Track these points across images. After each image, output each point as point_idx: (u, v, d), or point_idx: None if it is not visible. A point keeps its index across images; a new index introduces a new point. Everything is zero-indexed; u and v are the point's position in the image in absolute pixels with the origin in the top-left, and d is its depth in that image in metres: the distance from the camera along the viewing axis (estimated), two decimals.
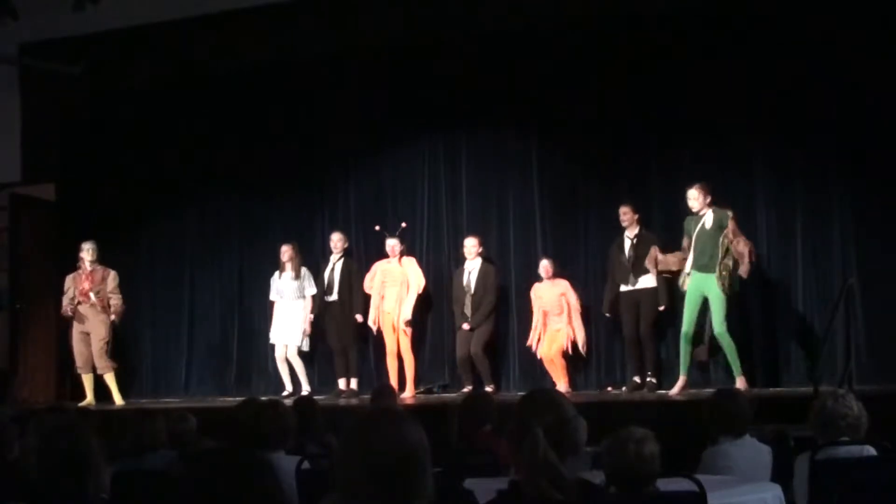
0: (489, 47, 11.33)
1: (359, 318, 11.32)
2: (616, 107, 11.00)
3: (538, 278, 10.84)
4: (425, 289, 11.30)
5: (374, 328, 11.27)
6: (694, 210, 9.63)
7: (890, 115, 9.83)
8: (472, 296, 10.93)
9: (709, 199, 9.58)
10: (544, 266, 10.76)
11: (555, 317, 10.71)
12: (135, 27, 11.92)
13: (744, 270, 9.41)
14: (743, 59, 10.46)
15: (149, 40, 11.94)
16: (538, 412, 3.53)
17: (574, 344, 10.66)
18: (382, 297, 11.18)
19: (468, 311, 10.92)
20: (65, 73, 12.01)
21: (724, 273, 9.40)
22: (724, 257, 9.41)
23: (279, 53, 11.74)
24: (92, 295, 11.41)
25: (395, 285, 11.14)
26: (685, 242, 9.76)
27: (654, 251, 9.98)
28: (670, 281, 10.04)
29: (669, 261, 9.88)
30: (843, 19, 10.04)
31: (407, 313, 11.10)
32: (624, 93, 10.96)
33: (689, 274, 9.63)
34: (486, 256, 11.14)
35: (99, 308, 11.44)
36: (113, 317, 11.47)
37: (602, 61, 11.04)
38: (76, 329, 11.52)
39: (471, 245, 11.03)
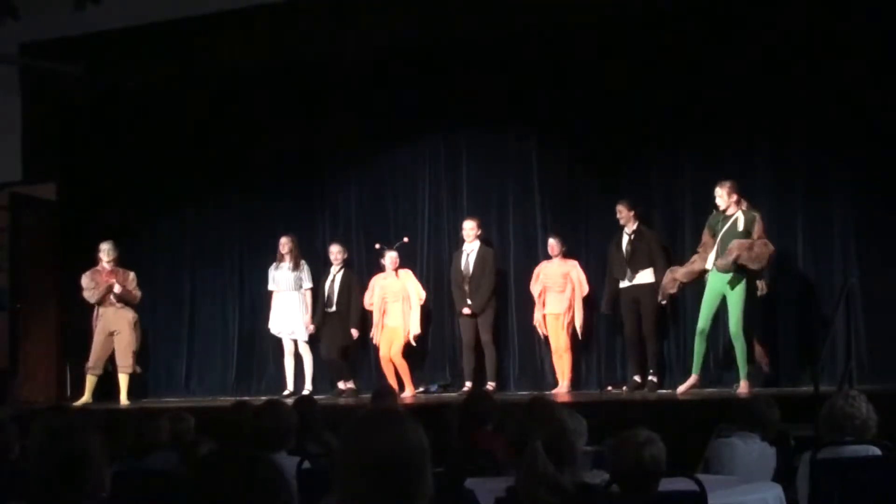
0: (489, 47, 11.32)
1: (354, 332, 11.32)
2: (616, 107, 10.99)
3: (544, 258, 10.84)
4: (427, 298, 11.31)
5: (376, 341, 11.27)
6: (721, 207, 9.59)
7: (891, 114, 9.82)
8: (471, 278, 10.91)
9: (735, 198, 9.55)
10: (551, 244, 10.74)
11: (555, 294, 10.65)
12: (135, 27, 11.90)
13: (761, 285, 9.54)
14: (743, 58, 10.45)
15: (149, 40, 11.93)
16: (538, 425, 3.55)
17: (576, 330, 10.64)
18: (384, 313, 11.18)
19: (467, 293, 10.91)
20: (65, 72, 12.01)
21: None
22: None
23: (280, 53, 11.73)
24: (112, 296, 11.46)
25: (397, 300, 11.13)
26: (706, 238, 9.69)
27: (670, 279, 9.83)
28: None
29: (695, 269, 9.79)
30: (843, 18, 10.04)
31: (416, 328, 11.11)
32: (624, 93, 10.94)
33: (710, 271, 9.61)
34: (484, 239, 11.13)
35: (119, 307, 11.50)
36: (118, 289, 11.47)
37: (602, 61, 11.02)
38: (100, 328, 11.57)
39: (469, 227, 11.02)
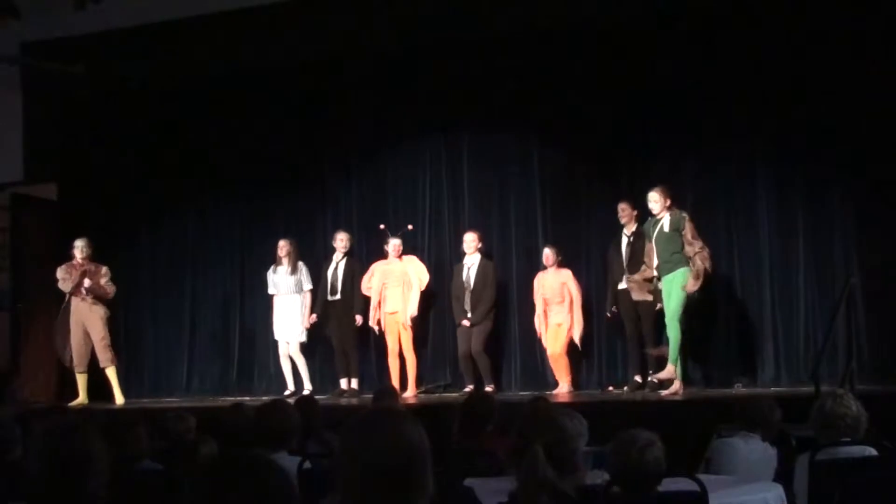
0: (490, 47, 11.32)
1: (359, 319, 11.31)
2: (617, 107, 11.00)
3: (541, 269, 10.85)
4: (428, 285, 11.28)
5: (376, 329, 11.26)
6: (654, 212, 9.62)
7: (891, 114, 9.82)
8: (472, 291, 10.92)
9: (668, 202, 9.59)
10: (546, 254, 10.76)
11: (556, 305, 10.69)
12: (136, 27, 11.90)
13: (690, 283, 9.39)
14: (744, 58, 10.45)
15: (150, 40, 11.93)
16: (539, 430, 3.56)
17: (573, 339, 10.66)
18: (384, 298, 11.18)
19: (468, 306, 10.91)
20: (66, 72, 12.00)
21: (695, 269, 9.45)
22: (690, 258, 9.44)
23: (282, 53, 11.73)
24: (84, 289, 11.43)
25: (398, 285, 11.13)
26: (648, 246, 9.74)
27: (637, 283, 9.89)
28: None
29: (649, 272, 9.84)
30: (845, 18, 10.04)
31: (413, 309, 11.08)
32: (625, 93, 10.95)
33: (659, 279, 9.65)
34: (485, 252, 11.13)
35: (91, 302, 11.46)
36: (88, 283, 11.43)
37: (603, 61, 11.03)
38: (74, 322, 11.50)
39: (470, 240, 11.02)
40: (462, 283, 11.01)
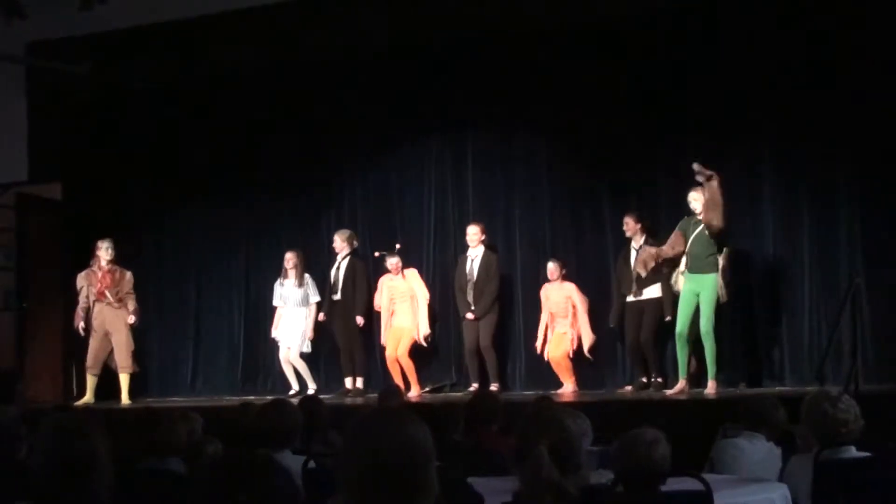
0: (496, 47, 11.32)
1: (360, 320, 11.32)
2: (623, 107, 10.99)
3: (546, 279, 10.86)
4: (431, 290, 11.35)
5: (384, 342, 11.29)
6: (696, 211, 9.61)
7: None
8: (475, 283, 10.93)
9: None
10: (550, 269, 10.78)
11: (560, 319, 10.75)
12: (141, 26, 11.91)
13: (722, 292, 9.46)
14: (749, 57, 10.44)
15: (155, 39, 11.94)
16: (542, 430, 3.56)
17: (580, 346, 10.66)
18: (393, 314, 11.23)
19: (471, 299, 10.92)
20: (72, 72, 12.02)
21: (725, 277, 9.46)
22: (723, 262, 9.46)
23: (287, 52, 11.73)
24: (109, 294, 11.45)
25: (405, 300, 11.19)
26: (677, 238, 9.69)
27: (648, 253, 9.90)
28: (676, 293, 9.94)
29: (665, 252, 9.83)
30: (849, 19, 10.02)
31: (425, 327, 11.15)
32: (629, 93, 10.95)
33: (682, 273, 9.63)
34: (489, 244, 11.14)
35: (117, 307, 11.49)
36: (132, 319, 11.53)
37: (608, 63, 11.02)
38: (97, 326, 11.53)
39: (473, 233, 11.03)
40: (465, 275, 11.02)
